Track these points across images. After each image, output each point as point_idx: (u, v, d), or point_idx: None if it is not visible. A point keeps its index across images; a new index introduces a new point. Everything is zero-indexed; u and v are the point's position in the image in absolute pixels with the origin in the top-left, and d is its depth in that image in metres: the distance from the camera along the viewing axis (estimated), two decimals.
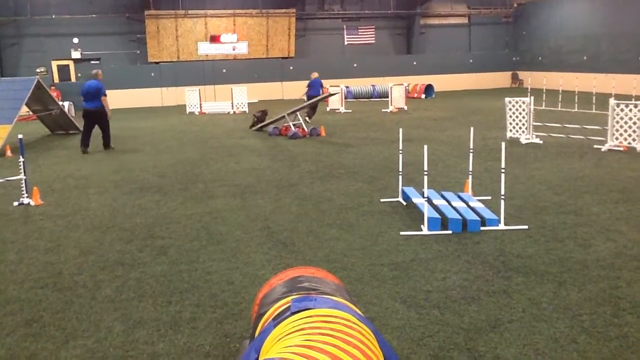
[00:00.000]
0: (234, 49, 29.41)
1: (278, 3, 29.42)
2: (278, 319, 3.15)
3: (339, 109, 21.77)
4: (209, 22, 28.90)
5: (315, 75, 18.97)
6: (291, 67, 29.36)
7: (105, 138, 13.94)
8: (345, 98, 23.20)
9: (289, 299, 3.29)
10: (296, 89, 28.28)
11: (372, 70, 29.75)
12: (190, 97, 23.14)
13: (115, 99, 24.47)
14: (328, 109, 22.00)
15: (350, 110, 21.64)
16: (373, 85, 27.25)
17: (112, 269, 5.78)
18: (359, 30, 31.65)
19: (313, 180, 9.68)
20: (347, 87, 25.45)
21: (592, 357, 3.87)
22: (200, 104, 23.06)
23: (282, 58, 29.91)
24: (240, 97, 22.97)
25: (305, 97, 18.83)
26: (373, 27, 31.68)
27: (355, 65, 30.10)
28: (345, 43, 31.54)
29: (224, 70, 28.22)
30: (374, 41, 31.80)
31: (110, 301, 4.98)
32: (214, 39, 28.97)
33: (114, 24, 28.28)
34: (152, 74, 27.11)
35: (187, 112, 22.88)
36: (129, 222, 7.48)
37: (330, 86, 23.00)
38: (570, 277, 5.24)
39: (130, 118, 21.99)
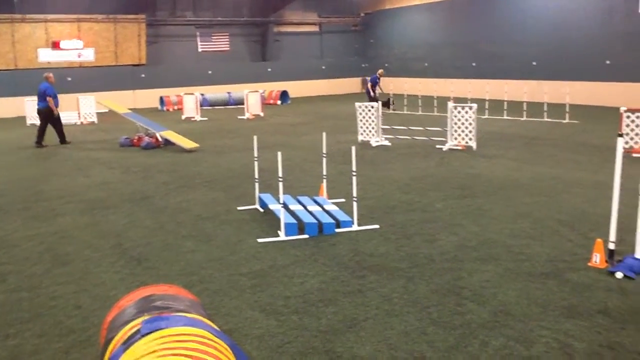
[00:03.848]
0: (79, 56, 27.68)
1: (126, 8, 28.17)
2: (128, 342, 2.99)
3: (194, 117, 21.35)
4: (50, 27, 26.95)
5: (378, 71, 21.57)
6: (143, 75, 28.31)
7: (59, 135, 15.51)
8: (201, 106, 22.81)
9: (140, 320, 3.14)
10: (149, 97, 27.36)
11: (227, 77, 29.55)
12: (31, 108, 21.38)
13: None
14: (183, 117, 21.49)
15: (206, 118, 21.32)
16: (229, 93, 27.09)
17: None
18: (213, 37, 31.30)
19: (168, 192, 9.38)
20: (202, 94, 25.07)
21: (439, 347, 4.13)
22: None
23: (133, 65, 28.71)
24: (87, 107, 21.67)
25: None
26: (227, 34, 31.47)
27: (210, 72, 29.72)
28: (199, 50, 31.02)
29: (69, 79, 26.42)
30: (228, 48, 31.60)
31: None
32: (56, 45, 27.09)
33: None
34: None
35: (28, 124, 21.14)
36: None
37: (185, 94, 22.49)
38: (418, 272, 5.56)
39: None
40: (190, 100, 21.90)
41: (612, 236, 5.57)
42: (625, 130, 10.59)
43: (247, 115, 21.30)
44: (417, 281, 5.33)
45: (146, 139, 14.49)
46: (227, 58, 31.39)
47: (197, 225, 7.38)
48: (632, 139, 10.72)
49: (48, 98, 14.94)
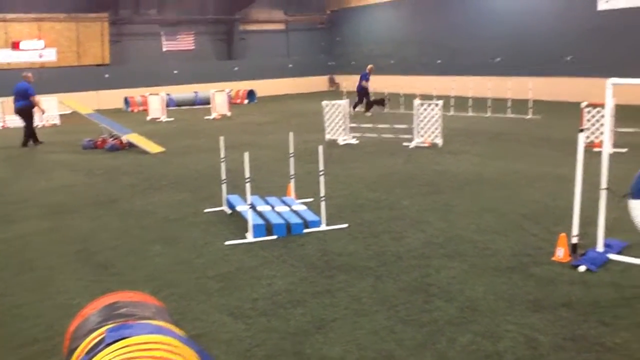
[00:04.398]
0: (40, 57, 27.06)
1: (89, 7, 27.61)
2: (92, 352, 2.94)
3: (160, 118, 21.06)
4: (9, 27, 26.28)
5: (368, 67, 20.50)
6: (107, 75, 27.81)
7: (26, 135, 15.24)
8: (167, 106, 22.52)
9: (104, 328, 3.09)
10: (114, 98, 26.87)
11: (193, 76, 29.22)
12: None
13: None
14: (148, 118, 21.18)
15: (172, 119, 21.03)
16: (195, 92, 26.83)
17: None
18: (178, 36, 30.92)
19: (134, 194, 9.24)
20: (168, 94, 24.75)
21: (408, 345, 4.16)
22: (3, 118, 20.90)
23: (97, 65, 28.19)
24: (50, 109, 21.18)
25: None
26: (192, 32, 31.12)
27: (175, 71, 29.35)
28: (164, 49, 30.60)
29: None
30: (193, 47, 31.25)
31: None
32: (16, 45, 26.42)
33: None
34: None
35: None
36: None
37: (150, 94, 22.17)
38: (386, 270, 5.59)
39: None
40: (155, 101, 21.60)
41: (575, 230, 5.68)
42: (586, 125, 10.83)
43: (213, 115, 21.12)
44: (386, 279, 5.36)
45: (110, 141, 14.24)
46: (192, 57, 31.04)
47: (163, 228, 7.28)
48: (592, 133, 10.96)
49: (31, 98, 15.04)
